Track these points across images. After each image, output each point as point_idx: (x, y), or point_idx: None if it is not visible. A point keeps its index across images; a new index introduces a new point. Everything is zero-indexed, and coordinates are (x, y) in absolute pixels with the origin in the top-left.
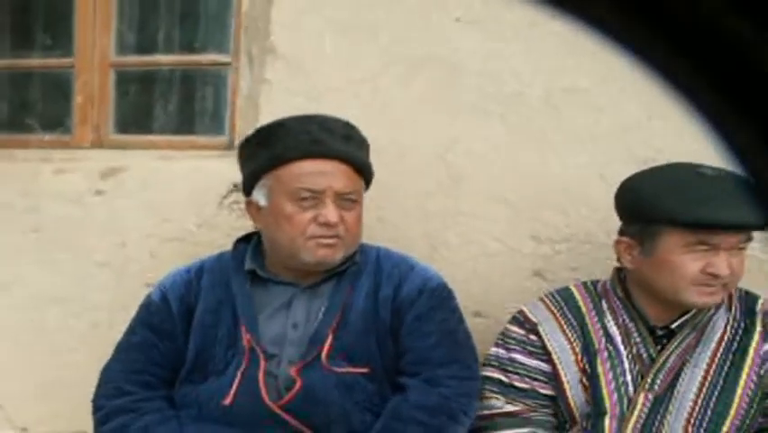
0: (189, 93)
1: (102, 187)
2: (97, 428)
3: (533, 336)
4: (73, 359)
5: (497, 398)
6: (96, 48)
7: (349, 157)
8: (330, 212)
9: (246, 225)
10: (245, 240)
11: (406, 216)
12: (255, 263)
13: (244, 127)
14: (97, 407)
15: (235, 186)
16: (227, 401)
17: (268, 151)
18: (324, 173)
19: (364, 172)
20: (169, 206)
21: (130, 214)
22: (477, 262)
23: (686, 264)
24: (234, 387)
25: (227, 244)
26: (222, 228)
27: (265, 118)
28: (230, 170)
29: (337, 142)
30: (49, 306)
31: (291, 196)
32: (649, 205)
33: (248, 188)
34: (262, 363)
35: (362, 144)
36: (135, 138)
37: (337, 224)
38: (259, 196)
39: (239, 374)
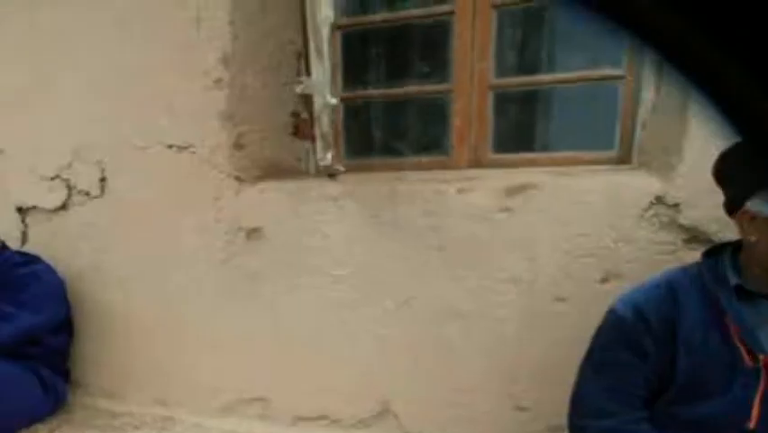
0: (570, 109)
1: (509, 204)
2: None
3: None
4: (473, 370)
5: None
6: (475, 72)
7: None
8: None
9: (663, 239)
10: (711, 253)
11: None
12: (738, 277)
13: (653, 140)
14: (580, 427)
15: (657, 199)
16: (750, 424)
17: None
18: None
19: None
20: (582, 221)
21: (540, 230)
22: None
23: None
24: (756, 410)
25: (644, 259)
26: (639, 243)
27: (696, 129)
28: (646, 183)
29: None
30: (450, 320)
31: None
32: None
33: (740, 198)
34: None
35: None
36: (514, 157)
37: None
38: (762, 206)
39: (757, 396)
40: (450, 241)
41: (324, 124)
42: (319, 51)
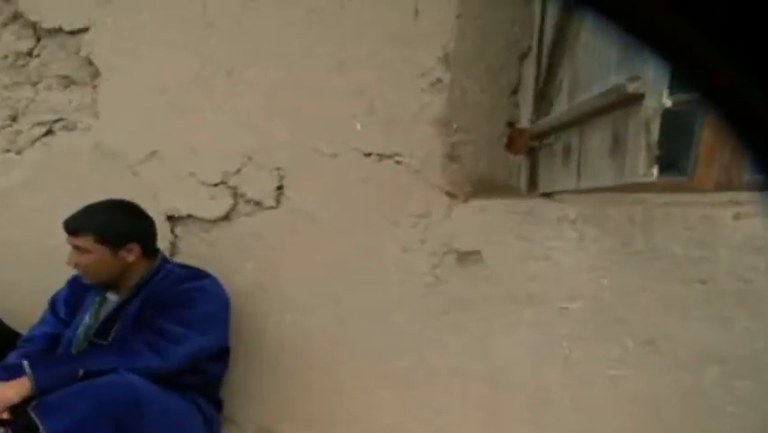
0: None
1: None
2: None
3: None
4: (728, 426)
5: None
6: None
7: None
8: None
9: None
10: None
11: None
12: None
13: None
14: None
15: None
16: None
17: None
18: None
19: None
20: None
21: None
22: None
23: None
24: None
25: None
26: None
27: None
28: None
29: None
30: (706, 365)
31: None
32: None
33: None
34: None
35: None
36: None
37: None
38: None
39: None
40: (716, 274)
41: (653, 131)
42: None
